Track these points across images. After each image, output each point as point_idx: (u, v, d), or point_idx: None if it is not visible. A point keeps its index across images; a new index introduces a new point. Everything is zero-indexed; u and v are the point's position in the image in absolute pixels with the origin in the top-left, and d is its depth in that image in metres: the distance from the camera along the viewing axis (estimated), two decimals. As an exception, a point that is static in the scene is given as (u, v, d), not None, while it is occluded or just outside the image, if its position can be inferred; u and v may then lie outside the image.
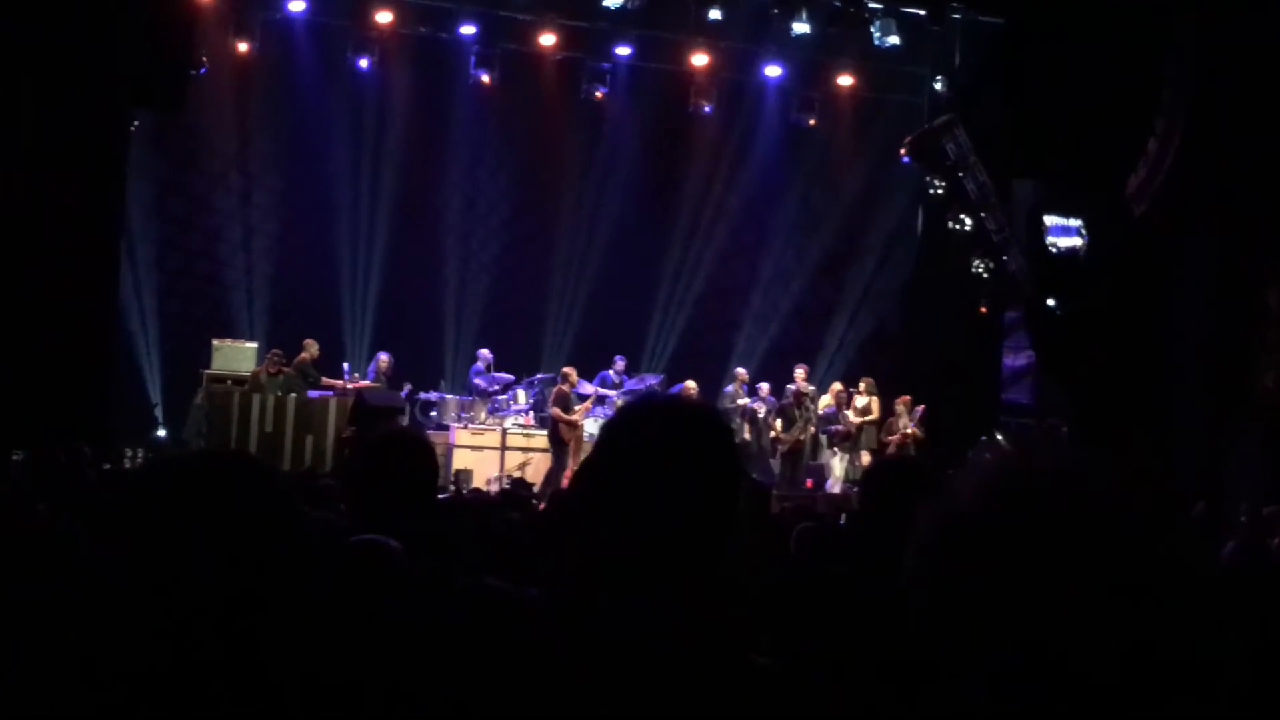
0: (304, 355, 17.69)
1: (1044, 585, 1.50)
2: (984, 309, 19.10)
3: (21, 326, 14.18)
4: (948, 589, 1.55)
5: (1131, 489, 1.54)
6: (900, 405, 18.30)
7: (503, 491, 9.97)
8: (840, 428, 18.56)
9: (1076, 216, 17.92)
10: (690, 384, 18.27)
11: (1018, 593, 1.50)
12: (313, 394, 17.34)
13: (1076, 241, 17.99)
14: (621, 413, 2.00)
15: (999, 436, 17.63)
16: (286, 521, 1.89)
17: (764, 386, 19.52)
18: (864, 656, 2.74)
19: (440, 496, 10.19)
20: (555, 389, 17.79)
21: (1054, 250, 17.95)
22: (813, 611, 3.46)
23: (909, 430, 18.02)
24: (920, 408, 18.18)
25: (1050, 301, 18.08)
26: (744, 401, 19.39)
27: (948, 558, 1.55)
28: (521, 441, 17.96)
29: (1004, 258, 18.60)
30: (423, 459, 3.45)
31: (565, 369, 18.37)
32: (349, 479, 3.46)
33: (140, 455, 15.79)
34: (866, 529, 3.72)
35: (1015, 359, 20.50)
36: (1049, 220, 18.02)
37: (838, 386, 19.10)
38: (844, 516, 11.46)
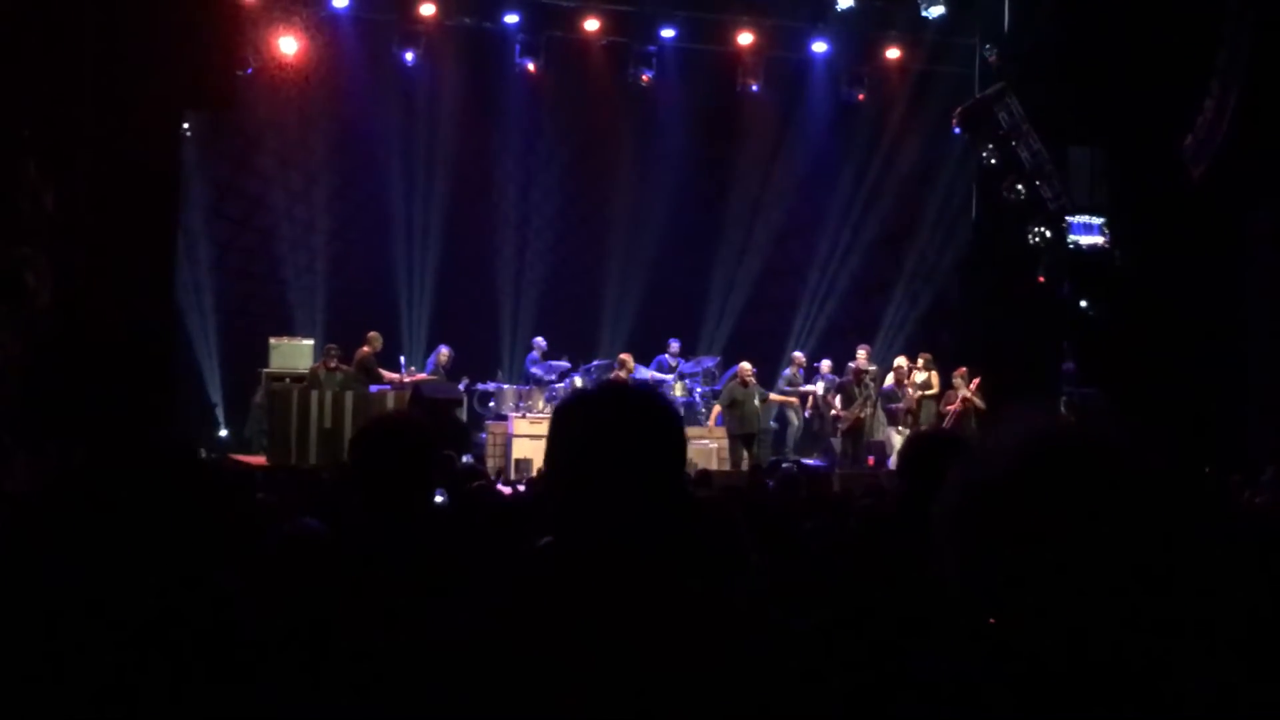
0: (366, 349, 17.75)
1: (1069, 549, 1.49)
2: (1042, 279, 18.86)
3: (83, 331, 14.33)
4: (975, 550, 1.54)
5: (1169, 454, 1.52)
6: (958, 378, 18.17)
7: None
8: (901, 406, 18.46)
9: (1134, 180, 17.73)
10: (745, 365, 18.20)
11: (1044, 555, 1.49)
12: (372, 389, 17.42)
13: (1099, 240, 17.88)
14: (563, 410, 2.09)
15: (1061, 406, 17.42)
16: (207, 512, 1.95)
17: (825, 364, 19.45)
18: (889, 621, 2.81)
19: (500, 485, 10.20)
20: (612, 375, 17.77)
21: (1076, 248, 17.85)
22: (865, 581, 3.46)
23: (965, 396, 17.90)
24: (976, 379, 18.05)
25: (1083, 303, 17.99)
26: (808, 388, 19.37)
27: (975, 519, 1.54)
28: (581, 429, 17.89)
29: (1061, 226, 18.39)
30: (412, 442, 3.46)
31: (622, 355, 18.39)
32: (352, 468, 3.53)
33: (203, 455, 15.89)
34: (904, 502, 3.70)
35: (1076, 328, 20.28)
36: (1070, 219, 17.93)
37: (902, 363, 18.97)
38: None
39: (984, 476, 1.58)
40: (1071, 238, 18.01)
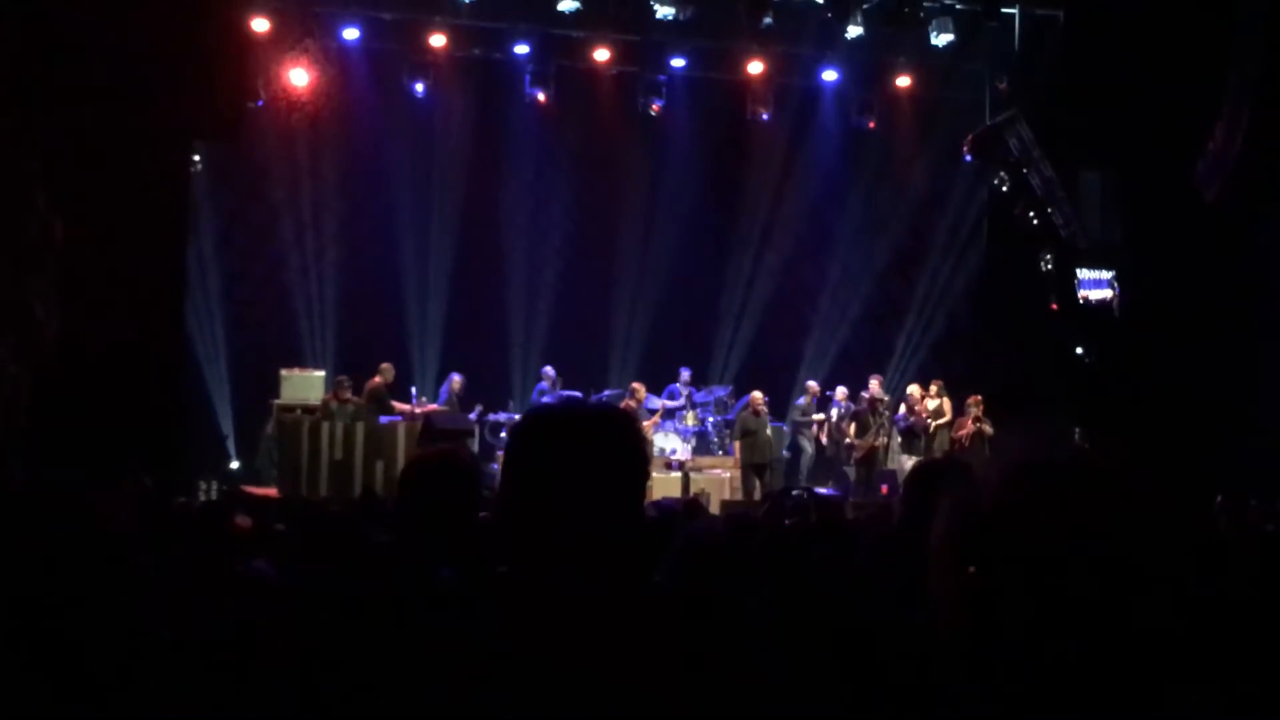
0: (377, 380, 17.73)
1: (1058, 572, 1.47)
2: (1055, 305, 18.81)
3: (92, 362, 14.32)
4: (964, 574, 1.53)
5: (1168, 479, 1.52)
6: (971, 404, 18.11)
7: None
8: (912, 420, 18.34)
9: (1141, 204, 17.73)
10: (756, 394, 18.15)
11: (1034, 580, 1.47)
12: (383, 419, 17.39)
13: (1108, 294, 17.89)
14: (523, 427, 2.04)
15: (1076, 432, 17.35)
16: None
17: (840, 390, 19.36)
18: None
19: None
20: (623, 404, 17.72)
21: (1085, 303, 17.86)
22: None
23: (975, 417, 17.81)
24: (981, 405, 17.99)
25: (1079, 350, 17.97)
26: (818, 416, 19.30)
27: (964, 545, 1.54)
28: (591, 458, 17.81)
29: (1072, 280, 18.39)
30: (457, 478, 3.48)
31: (634, 384, 18.36)
32: (397, 503, 3.61)
33: (214, 487, 15.90)
34: (905, 528, 3.68)
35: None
36: (1081, 274, 17.96)
37: (914, 391, 18.88)
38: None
39: (971, 503, 1.58)
40: (1081, 293, 18.03)
